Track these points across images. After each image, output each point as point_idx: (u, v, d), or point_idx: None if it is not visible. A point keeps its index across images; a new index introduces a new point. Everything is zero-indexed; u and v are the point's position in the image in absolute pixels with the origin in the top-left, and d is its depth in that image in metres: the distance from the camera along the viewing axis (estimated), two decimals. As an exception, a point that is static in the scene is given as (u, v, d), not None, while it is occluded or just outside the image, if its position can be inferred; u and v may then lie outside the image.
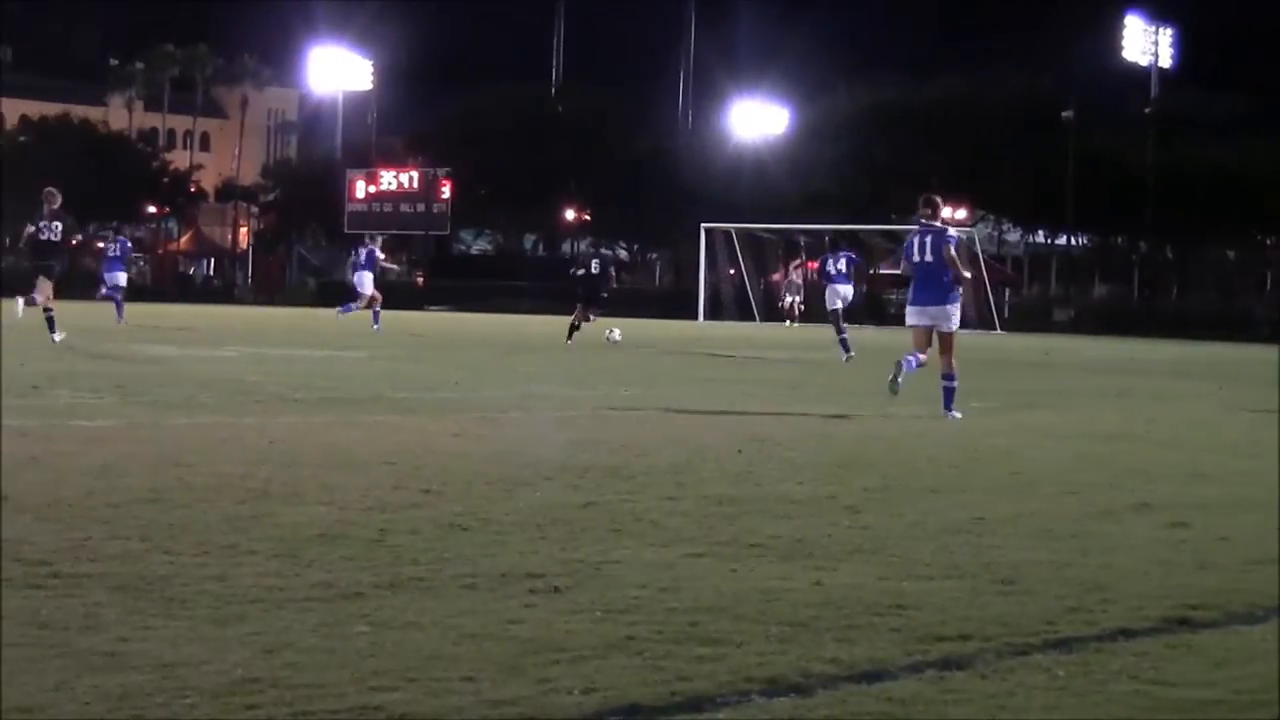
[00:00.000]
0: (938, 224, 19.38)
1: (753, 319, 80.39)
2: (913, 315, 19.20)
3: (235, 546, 8.28)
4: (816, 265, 55.94)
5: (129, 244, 52.38)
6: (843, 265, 36.15)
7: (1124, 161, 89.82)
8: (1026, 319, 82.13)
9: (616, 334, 38.86)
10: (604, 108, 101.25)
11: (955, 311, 19.05)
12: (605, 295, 40.60)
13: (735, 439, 15.03)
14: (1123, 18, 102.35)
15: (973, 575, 8.15)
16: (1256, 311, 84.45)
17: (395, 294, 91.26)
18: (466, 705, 5.47)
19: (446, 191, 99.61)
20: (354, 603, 7.02)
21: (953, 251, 19.05)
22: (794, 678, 5.94)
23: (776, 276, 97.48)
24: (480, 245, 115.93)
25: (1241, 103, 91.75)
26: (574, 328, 38.21)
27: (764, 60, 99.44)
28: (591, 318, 38.36)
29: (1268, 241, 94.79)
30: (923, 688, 5.88)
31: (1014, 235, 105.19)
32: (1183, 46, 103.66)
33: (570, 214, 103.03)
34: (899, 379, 18.96)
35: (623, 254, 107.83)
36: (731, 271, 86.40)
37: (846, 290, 35.82)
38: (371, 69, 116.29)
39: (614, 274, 47.00)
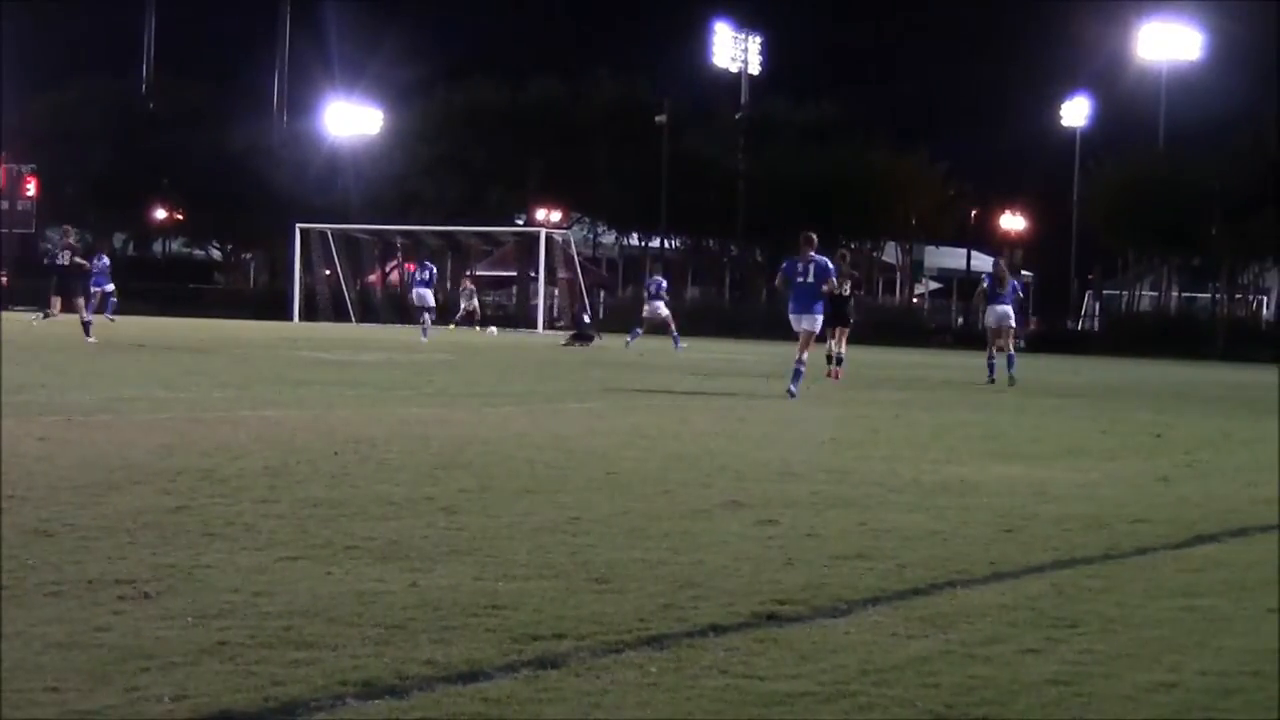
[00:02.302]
0: (814, 254, 26.28)
1: (349, 320, 79.89)
2: (796, 321, 26.35)
3: None
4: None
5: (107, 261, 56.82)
6: (428, 275, 54.59)
7: (716, 166, 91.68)
8: (621, 320, 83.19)
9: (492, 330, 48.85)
10: (198, 105, 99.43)
11: (819, 319, 26.51)
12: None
13: (331, 441, 14.92)
14: (712, 24, 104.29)
15: (568, 574, 8.22)
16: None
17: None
18: (51, 717, 5.31)
19: (32, 189, 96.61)
20: (-69, 614, 6.76)
21: (832, 278, 26.90)
22: (390, 680, 5.91)
23: (373, 277, 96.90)
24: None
25: (825, 110, 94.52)
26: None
27: (359, 61, 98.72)
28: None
29: (852, 245, 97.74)
30: (518, 687, 5.90)
31: (609, 237, 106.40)
32: (769, 54, 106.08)
33: (162, 213, 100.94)
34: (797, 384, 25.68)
35: (215, 254, 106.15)
36: (327, 272, 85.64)
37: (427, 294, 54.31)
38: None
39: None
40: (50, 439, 14.22)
